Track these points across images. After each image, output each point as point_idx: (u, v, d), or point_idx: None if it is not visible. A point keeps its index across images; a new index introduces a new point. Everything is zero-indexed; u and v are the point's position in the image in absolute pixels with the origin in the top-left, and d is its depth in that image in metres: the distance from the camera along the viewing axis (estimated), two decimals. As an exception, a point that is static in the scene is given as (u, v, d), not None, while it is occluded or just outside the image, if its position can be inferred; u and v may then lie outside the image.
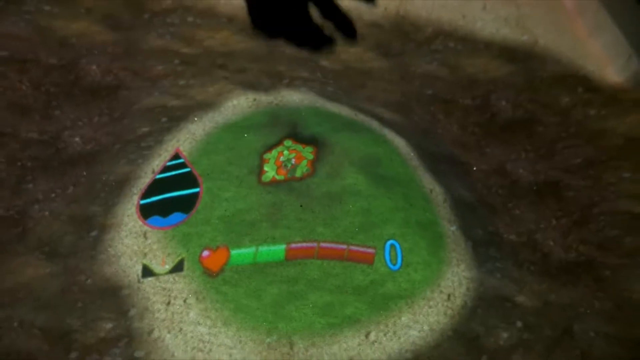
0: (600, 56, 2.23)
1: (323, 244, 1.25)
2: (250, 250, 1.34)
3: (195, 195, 1.43)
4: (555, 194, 1.88)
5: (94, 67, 1.93)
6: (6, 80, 1.85)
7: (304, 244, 1.34)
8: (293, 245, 1.35)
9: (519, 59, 2.22)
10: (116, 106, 1.84)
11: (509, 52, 2.23)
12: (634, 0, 2.13)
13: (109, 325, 1.32)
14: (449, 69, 2.18)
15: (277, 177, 1.49)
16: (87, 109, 1.83)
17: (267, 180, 1.48)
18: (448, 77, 2.16)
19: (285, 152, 1.55)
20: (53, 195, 1.59)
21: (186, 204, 1.42)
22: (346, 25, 1.85)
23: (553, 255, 1.72)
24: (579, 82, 2.16)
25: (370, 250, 1.38)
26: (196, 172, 1.49)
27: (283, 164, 1.52)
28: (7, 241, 1.47)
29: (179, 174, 1.49)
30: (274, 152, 1.54)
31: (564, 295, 1.61)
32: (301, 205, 1.40)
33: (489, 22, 2.28)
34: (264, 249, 1.34)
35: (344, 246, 1.36)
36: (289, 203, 1.42)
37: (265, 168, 1.51)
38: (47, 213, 1.53)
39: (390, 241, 1.40)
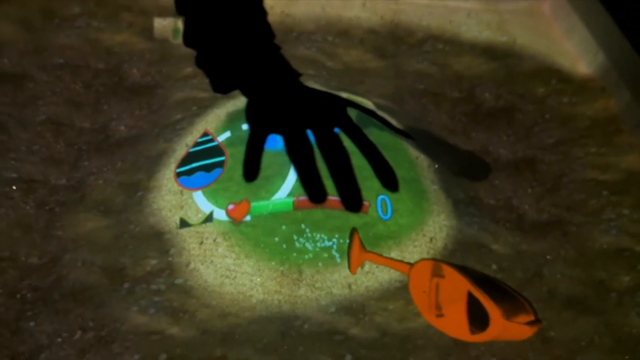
0: (571, 53, 2.54)
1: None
2: (266, 202, 1.66)
3: (222, 162, 1.76)
4: (531, 167, 2.17)
5: (135, 70, 2.30)
6: (62, 82, 2.23)
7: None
8: (301, 198, 1.66)
9: (499, 57, 2.54)
10: (154, 101, 2.20)
11: (490, 52, 2.55)
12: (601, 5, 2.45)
13: (154, 262, 1.64)
14: (438, 67, 2.50)
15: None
16: (129, 104, 2.19)
17: (280, 147, 1.80)
18: (437, 74, 2.48)
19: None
20: (105, 169, 1.93)
21: (214, 169, 1.75)
22: None
23: (527, 216, 2.00)
24: (553, 74, 2.46)
25: (364, 202, 1.68)
26: (222, 145, 1.82)
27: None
28: (70, 203, 1.81)
29: (208, 147, 1.82)
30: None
31: (534, 246, 1.89)
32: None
33: (473, 26, 2.62)
34: (277, 201, 1.66)
35: (342, 196, 1.66)
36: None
37: (278, 139, 1.83)
38: (100, 181, 1.87)
39: (382, 196, 1.70)
